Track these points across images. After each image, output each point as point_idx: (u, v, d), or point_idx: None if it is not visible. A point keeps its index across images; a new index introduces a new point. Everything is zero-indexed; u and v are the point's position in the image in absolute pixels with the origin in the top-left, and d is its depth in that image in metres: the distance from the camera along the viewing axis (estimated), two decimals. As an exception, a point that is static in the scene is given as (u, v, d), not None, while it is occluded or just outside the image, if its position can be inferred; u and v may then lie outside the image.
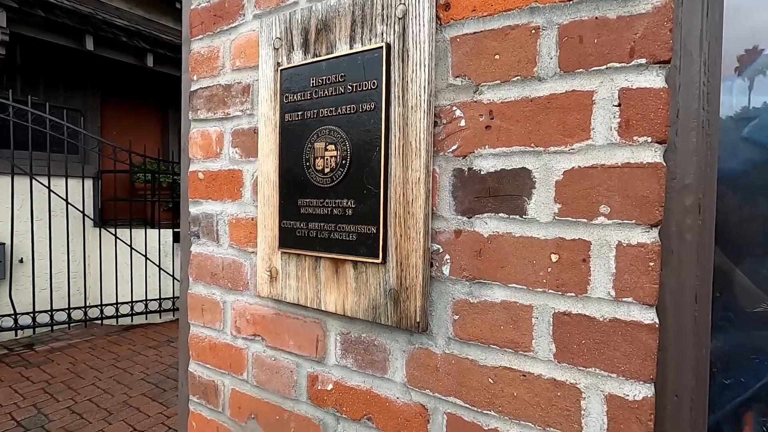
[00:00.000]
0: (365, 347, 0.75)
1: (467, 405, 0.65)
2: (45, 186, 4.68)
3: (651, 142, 0.52)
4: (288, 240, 0.79)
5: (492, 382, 0.63)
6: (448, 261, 0.66)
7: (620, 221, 0.54)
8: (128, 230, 5.18)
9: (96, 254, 5.17)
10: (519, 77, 0.60)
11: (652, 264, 0.52)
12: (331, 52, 0.73)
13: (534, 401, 0.60)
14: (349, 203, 0.71)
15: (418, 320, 0.66)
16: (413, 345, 0.70)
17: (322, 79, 0.73)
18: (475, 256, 0.64)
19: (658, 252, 0.53)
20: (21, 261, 4.89)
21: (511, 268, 0.61)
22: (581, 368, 0.56)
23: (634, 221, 0.53)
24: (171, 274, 5.51)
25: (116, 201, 5.30)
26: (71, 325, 5.00)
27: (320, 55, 0.75)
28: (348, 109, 0.70)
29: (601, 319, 0.55)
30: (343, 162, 0.71)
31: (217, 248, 0.97)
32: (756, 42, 0.77)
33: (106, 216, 5.50)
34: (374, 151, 0.68)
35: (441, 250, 0.67)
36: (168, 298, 5.47)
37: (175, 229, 5.59)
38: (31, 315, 4.62)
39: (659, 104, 0.52)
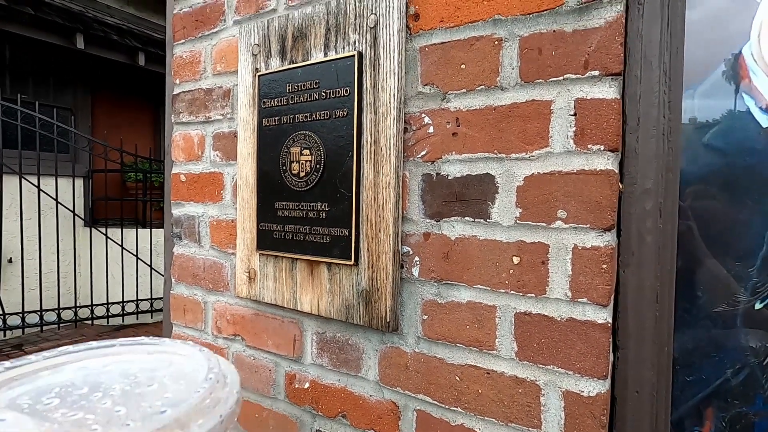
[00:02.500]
0: (340, 346, 0.78)
1: (436, 402, 0.68)
2: (34, 185, 4.67)
3: (604, 150, 0.55)
4: (265, 242, 0.81)
5: (459, 379, 0.66)
6: (418, 263, 0.69)
7: (576, 225, 0.57)
8: (119, 230, 5.17)
9: (86, 254, 5.16)
10: (483, 86, 0.63)
11: (605, 266, 0.55)
12: (307, 59, 0.76)
13: (497, 398, 0.63)
14: (323, 206, 0.73)
15: (388, 320, 0.68)
16: (385, 344, 0.73)
17: (298, 86, 0.76)
18: (443, 258, 0.66)
19: (611, 255, 0.56)
20: (10, 261, 4.87)
21: (476, 270, 0.64)
22: (541, 366, 0.59)
23: (588, 225, 0.56)
24: (162, 274, 5.50)
25: (107, 200, 5.28)
26: (61, 325, 4.98)
27: (296, 62, 0.77)
28: (322, 114, 0.73)
29: (559, 319, 0.58)
30: (318, 166, 0.73)
31: (198, 249, 0.99)
32: (722, 49, 0.80)
33: (97, 215, 5.49)
34: (347, 156, 0.70)
35: (411, 252, 0.69)
36: (159, 298, 5.46)
37: (166, 229, 5.58)
38: (21, 315, 4.60)
39: (611, 114, 0.54)
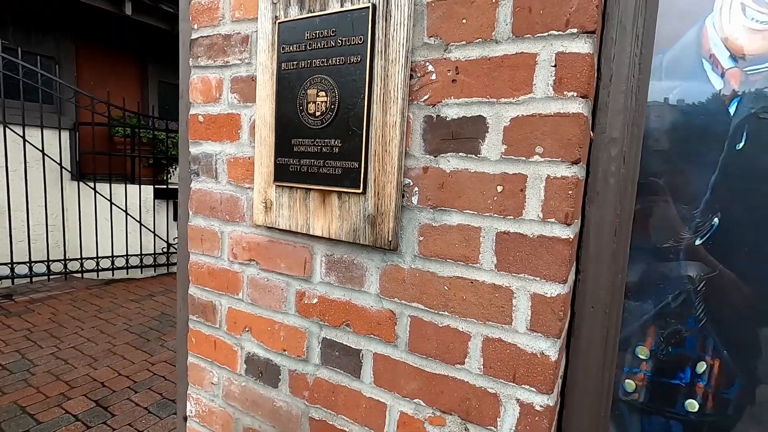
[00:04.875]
0: (346, 266, 0.91)
1: (427, 308, 0.82)
2: (19, 135, 4.63)
3: (576, 96, 0.67)
4: (282, 175, 0.93)
5: (447, 289, 0.80)
6: (417, 192, 0.82)
7: (550, 159, 0.70)
8: (108, 185, 5.20)
9: (75, 208, 5.19)
10: (480, 39, 0.74)
11: (571, 192, 0.69)
12: (324, 9, 0.85)
13: (478, 302, 0.77)
14: (336, 142, 0.85)
15: (390, 239, 0.82)
16: (386, 262, 0.86)
17: (316, 33, 0.86)
18: (439, 188, 0.79)
19: (576, 183, 0.69)
20: (-4, 212, 4.87)
21: (466, 197, 0.77)
22: (514, 274, 0.73)
23: (560, 159, 0.69)
24: (152, 230, 5.58)
25: (95, 155, 5.26)
26: (51, 277, 5.07)
27: (314, 11, 0.87)
28: (337, 60, 0.83)
29: (531, 236, 0.72)
30: (332, 107, 0.84)
31: (215, 185, 1.10)
32: (690, 19, 0.91)
33: (85, 170, 5.48)
34: (359, 98, 0.82)
35: (411, 184, 0.82)
36: (149, 254, 5.56)
37: (156, 186, 5.61)
38: (9, 266, 4.67)
39: (585, 66, 0.66)
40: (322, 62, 0.85)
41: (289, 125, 0.91)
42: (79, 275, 5.28)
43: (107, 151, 5.41)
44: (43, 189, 4.91)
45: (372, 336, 0.89)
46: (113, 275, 5.39)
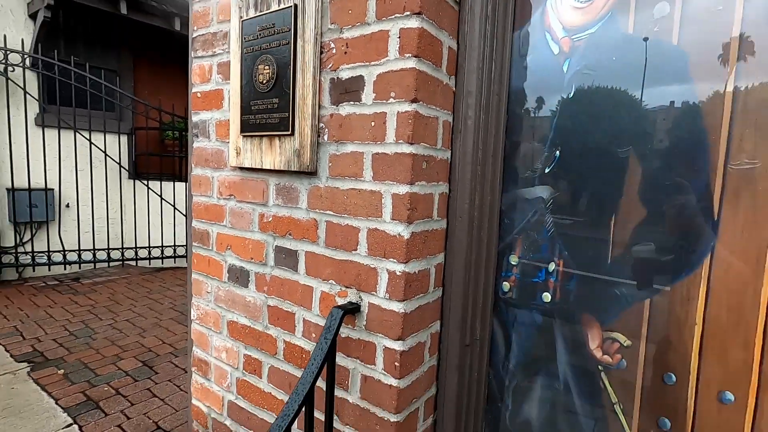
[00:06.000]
0: (287, 190, 1.31)
1: (335, 214, 1.20)
2: (87, 139, 5.48)
3: (411, 56, 1.03)
4: (246, 128, 1.35)
5: (346, 198, 1.18)
6: (326, 132, 1.20)
7: (398, 99, 1.06)
8: (159, 182, 5.96)
9: (131, 203, 6.00)
10: (360, 23, 1.12)
11: (410, 121, 1.04)
12: (269, 9, 1.27)
13: (363, 204, 1.14)
14: (275, 101, 1.25)
15: (308, 165, 1.21)
16: (311, 184, 1.25)
17: (263, 26, 1.27)
18: (339, 127, 1.18)
19: (414, 115, 1.04)
20: (68, 206, 5.74)
21: (355, 132, 1.15)
22: (383, 182, 1.10)
23: (403, 99, 1.05)
24: (196, 223, 6.27)
25: (148, 156, 6.06)
26: (110, 264, 5.89)
27: (262, 11, 1.28)
28: (275, 43, 1.24)
29: (391, 154, 1.08)
30: (273, 76, 1.25)
31: (208, 142, 1.54)
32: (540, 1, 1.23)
33: (140, 169, 6.29)
34: (288, 69, 1.22)
35: (323, 126, 1.21)
36: (193, 245, 6.26)
37: (199, 183, 6.32)
38: (77, 252, 5.50)
39: (415, 35, 1.02)
40: (267, 46, 1.27)
41: (249, 92, 1.33)
42: (134, 263, 6.06)
43: (158, 153, 6.19)
44: (105, 186, 5.74)
45: (304, 239, 1.28)
46: (162, 263, 6.12)
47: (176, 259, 6.14)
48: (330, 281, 1.23)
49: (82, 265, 5.65)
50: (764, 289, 0.94)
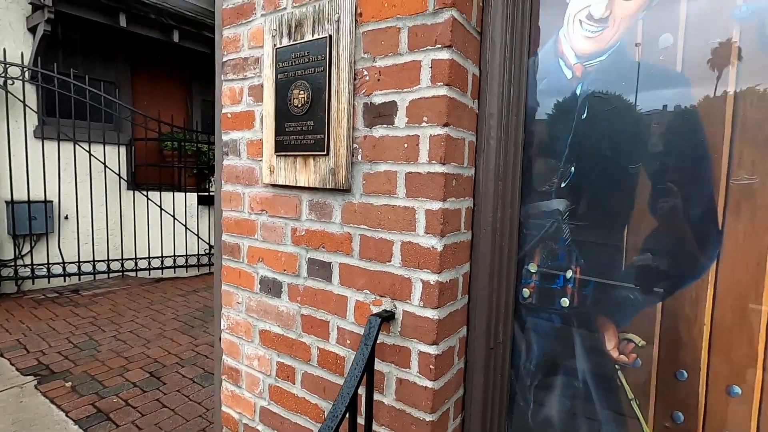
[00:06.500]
0: (321, 206, 1.41)
1: (369, 228, 1.30)
2: (86, 151, 5.52)
3: (443, 84, 1.14)
4: (280, 147, 1.45)
5: (380, 213, 1.28)
6: (359, 152, 1.31)
7: (430, 124, 1.17)
8: (158, 193, 6.01)
9: (130, 214, 6.05)
10: (392, 53, 1.23)
11: (442, 143, 1.15)
12: (303, 39, 1.37)
13: (396, 219, 1.24)
14: (310, 123, 1.36)
15: (344, 183, 1.31)
16: (344, 201, 1.35)
17: (297, 54, 1.38)
18: (373, 148, 1.28)
19: (446, 139, 1.15)
20: (66, 218, 5.76)
21: (388, 153, 1.25)
22: (416, 198, 1.20)
23: (436, 123, 1.16)
24: (196, 233, 6.33)
25: (147, 166, 6.11)
26: (110, 275, 5.91)
27: (297, 41, 1.39)
28: (310, 70, 1.35)
29: (424, 173, 1.19)
30: (308, 100, 1.36)
31: (239, 160, 1.64)
32: (553, 28, 1.35)
33: (139, 180, 6.34)
34: (323, 93, 1.32)
35: (357, 147, 1.31)
36: (193, 255, 6.31)
37: (199, 193, 6.39)
38: (77, 264, 5.52)
39: (446, 66, 1.13)
40: (301, 72, 1.37)
41: (283, 114, 1.43)
42: (134, 274, 6.09)
43: (157, 163, 6.25)
44: (105, 198, 5.78)
45: (338, 252, 1.38)
46: (162, 273, 6.16)
47: (176, 269, 6.18)
48: (365, 291, 1.33)
49: (81, 276, 5.67)
50: (765, 291, 1.06)
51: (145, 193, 5.97)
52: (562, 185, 1.33)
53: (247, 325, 1.65)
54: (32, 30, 5.45)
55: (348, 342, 1.37)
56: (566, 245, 1.33)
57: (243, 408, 1.68)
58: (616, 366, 1.27)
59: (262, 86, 1.53)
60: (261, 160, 1.56)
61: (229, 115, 1.66)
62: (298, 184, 1.42)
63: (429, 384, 1.21)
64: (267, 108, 1.48)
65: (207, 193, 6.49)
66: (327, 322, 1.42)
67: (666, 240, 1.18)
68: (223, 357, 1.75)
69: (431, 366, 1.20)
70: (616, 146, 1.24)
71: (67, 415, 3.02)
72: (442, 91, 1.15)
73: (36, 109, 5.44)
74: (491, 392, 1.38)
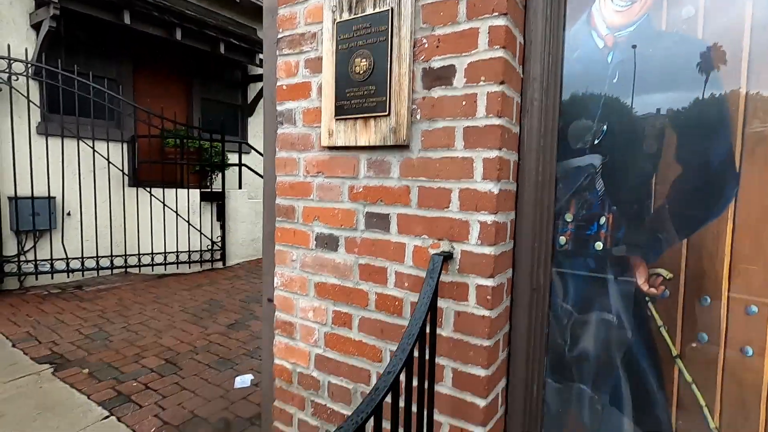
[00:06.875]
0: (379, 164, 1.57)
1: (427, 179, 1.47)
2: (90, 147, 5.57)
3: (499, 47, 1.32)
4: (340, 112, 1.61)
5: (438, 165, 1.44)
6: (418, 112, 1.47)
7: (487, 83, 1.34)
8: (161, 190, 6.07)
9: (133, 210, 6.09)
10: (450, 22, 1.40)
11: (498, 99, 1.32)
12: (364, 12, 1.54)
13: (455, 169, 1.41)
14: (372, 87, 1.52)
15: (404, 139, 1.47)
16: (403, 157, 1.52)
17: (359, 26, 1.54)
18: (432, 107, 1.45)
19: (503, 96, 1.33)
20: (69, 214, 5.78)
21: (446, 111, 1.42)
22: (474, 149, 1.37)
23: (492, 82, 1.33)
24: (198, 229, 6.39)
25: (150, 163, 6.17)
26: (113, 271, 5.93)
27: (357, 14, 1.56)
28: (372, 40, 1.52)
29: (481, 126, 1.36)
30: (370, 67, 1.52)
31: (294, 128, 1.79)
32: (585, 4, 1.54)
33: (141, 176, 6.38)
34: (386, 61, 1.49)
35: (416, 108, 1.48)
36: (196, 251, 6.37)
37: (202, 190, 6.46)
38: (80, 260, 5.54)
39: (502, 31, 1.31)
40: (363, 43, 1.54)
41: (344, 81, 1.59)
42: (137, 270, 6.11)
43: (160, 160, 6.30)
44: (108, 194, 5.82)
45: (396, 204, 1.54)
46: (165, 269, 6.19)
47: (179, 265, 6.22)
48: (423, 236, 1.49)
49: (84, 273, 5.68)
50: (778, 220, 1.26)
51: (147, 189, 6.02)
52: (596, 142, 1.52)
53: (301, 280, 1.79)
54: (35, 26, 5.50)
55: (406, 284, 1.53)
56: (599, 195, 1.52)
57: (297, 358, 1.81)
58: (647, 298, 1.45)
59: (319, 59, 1.69)
60: (317, 126, 1.71)
61: (284, 87, 1.81)
62: (358, 144, 1.58)
63: (486, 313, 1.37)
64: (326, 77, 1.64)
65: (209, 190, 6.57)
66: (385, 268, 1.57)
67: (690, 184, 1.38)
68: (276, 313, 1.89)
69: (488, 296, 1.36)
70: (643, 105, 1.44)
71: (89, 398, 3.09)
72: (499, 53, 1.32)
73: (39, 105, 5.48)
74: (533, 328, 1.55)
